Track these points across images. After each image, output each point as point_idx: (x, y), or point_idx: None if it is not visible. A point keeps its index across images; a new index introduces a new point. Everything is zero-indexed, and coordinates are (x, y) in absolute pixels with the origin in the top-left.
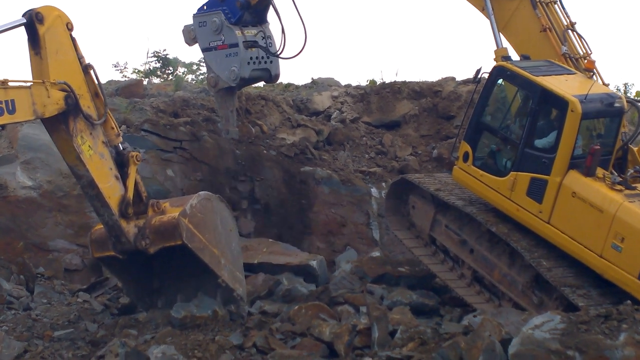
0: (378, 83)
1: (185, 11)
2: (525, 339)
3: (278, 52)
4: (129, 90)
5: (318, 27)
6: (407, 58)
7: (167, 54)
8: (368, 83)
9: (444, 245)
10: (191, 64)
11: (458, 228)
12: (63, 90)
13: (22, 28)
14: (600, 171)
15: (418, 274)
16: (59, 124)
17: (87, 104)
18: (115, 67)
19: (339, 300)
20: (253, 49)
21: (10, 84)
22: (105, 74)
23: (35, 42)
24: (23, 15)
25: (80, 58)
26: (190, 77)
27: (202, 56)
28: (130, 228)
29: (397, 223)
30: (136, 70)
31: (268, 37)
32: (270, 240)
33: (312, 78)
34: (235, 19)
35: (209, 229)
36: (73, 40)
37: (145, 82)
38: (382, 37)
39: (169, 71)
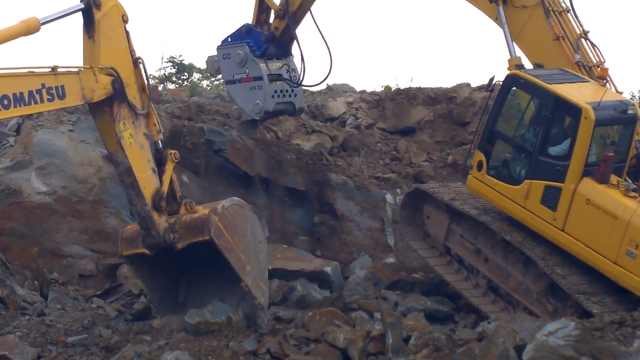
0: (393, 89)
1: (198, 16)
2: (540, 345)
3: (299, 81)
4: None
5: (333, 33)
6: (422, 64)
7: (182, 60)
8: (383, 89)
9: (458, 255)
10: (206, 70)
11: (473, 237)
12: (110, 75)
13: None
14: (614, 178)
15: (432, 280)
16: (104, 106)
17: (133, 94)
18: None
19: (353, 306)
20: (277, 83)
21: (60, 70)
22: None
23: (90, 26)
24: (81, 1)
25: (131, 51)
26: (205, 82)
27: (205, 60)
28: (161, 221)
29: (412, 233)
30: (151, 76)
31: (293, 69)
32: (284, 246)
33: (327, 84)
34: (260, 52)
35: (238, 234)
36: (127, 32)
37: (160, 88)
38: (397, 43)
39: (184, 77)
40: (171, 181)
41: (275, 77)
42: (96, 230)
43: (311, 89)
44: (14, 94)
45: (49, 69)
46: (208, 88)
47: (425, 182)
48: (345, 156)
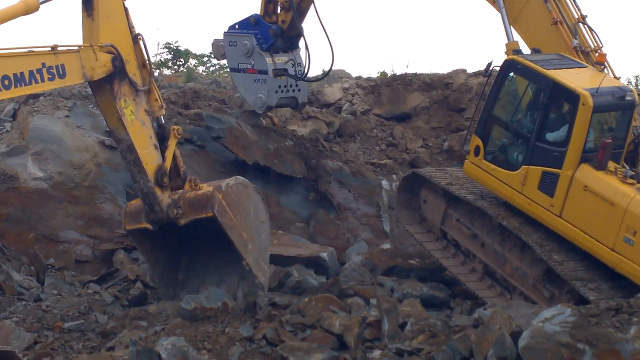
0: (389, 75)
1: (195, 2)
2: (536, 332)
3: (303, 75)
4: None
5: (329, 19)
6: (418, 50)
7: (178, 46)
8: (379, 75)
9: (455, 240)
10: (202, 56)
11: (469, 222)
12: (110, 52)
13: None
14: (612, 165)
15: (429, 267)
16: (104, 84)
17: (133, 71)
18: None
19: (349, 292)
20: (282, 77)
21: (59, 49)
22: None
23: (89, 4)
24: None
25: (130, 27)
26: (201, 68)
27: (211, 42)
28: (164, 197)
29: (409, 217)
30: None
31: (298, 64)
32: (280, 231)
33: (323, 70)
34: (267, 46)
35: (241, 213)
36: (125, 9)
37: (156, 74)
38: (392, 29)
39: (180, 62)
40: (175, 157)
41: (280, 72)
42: (92, 216)
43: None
44: (15, 74)
45: (49, 48)
46: (204, 74)
47: (421, 168)
48: (341, 142)
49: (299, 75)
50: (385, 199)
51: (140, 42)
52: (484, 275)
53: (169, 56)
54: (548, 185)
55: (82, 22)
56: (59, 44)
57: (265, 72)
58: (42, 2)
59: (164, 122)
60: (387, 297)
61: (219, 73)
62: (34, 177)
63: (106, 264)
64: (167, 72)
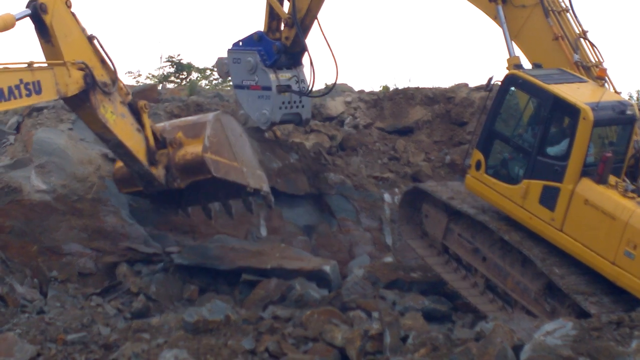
0: (391, 89)
1: (196, 15)
2: (537, 345)
3: (307, 91)
4: (143, 94)
5: (332, 33)
6: (420, 64)
7: (180, 59)
8: (381, 89)
9: (456, 254)
10: (205, 69)
11: (471, 236)
12: (81, 69)
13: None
14: (612, 179)
15: (430, 280)
16: (82, 102)
17: (100, 73)
18: (129, 74)
19: (351, 305)
20: (286, 94)
21: (35, 65)
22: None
23: (44, 31)
24: (27, 7)
25: (82, 31)
26: (204, 82)
27: (215, 62)
28: (160, 172)
29: (410, 232)
30: (150, 76)
31: (302, 80)
32: (282, 245)
33: (326, 84)
34: (271, 62)
35: (226, 147)
36: (73, 15)
37: (159, 87)
38: (395, 43)
39: (183, 76)
40: (150, 126)
41: (284, 89)
42: (95, 229)
43: (317, 98)
44: None
45: (26, 65)
46: (207, 87)
47: (423, 181)
48: (344, 155)
49: (303, 92)
50: (387, 213)
51: (95, 41)
52: (486, 290)
53: (172, 69)
54: (549, 199)
55: (41, 47)
56: (35, 61)
57: (269, 89)
58: (18, 19)
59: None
60: (389, 310)
61: (222, 86)
62: (37, 190)
63: (109, 276)
64: (170, 85)
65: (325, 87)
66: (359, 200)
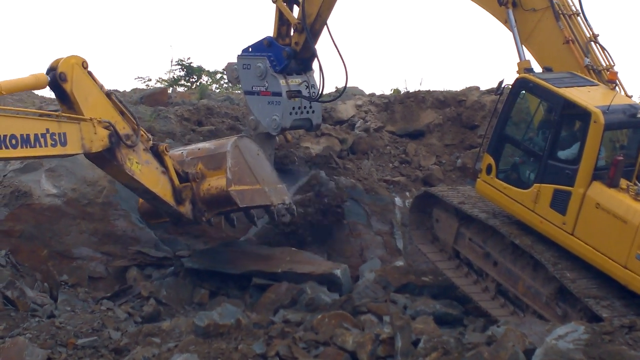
0: (402, 92)
1: (207, 19)
2: (549, 349)
3: (317, 97)
4: (153, 98)
5: (342, 36)
6: (431, 67)
7: (191, 62)
8: (392, 92)
9: (467, 258)
10: (215, 73)
11: (482, 241)
12: (106, 128)
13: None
14: (623, 182)
15: (442, 284)
16: (109, 160)
17: (122, 126)
18: (139, 79)
19: (362, 309)
20: (296, 99)
21: (63, 117)
22: (129, 84)
23: (65, 98)
24: (47, 74)
25: (101, 88)
26: (214, 85)
27: (225, 66)
28: (187, 208)
29: (421, 236)
30: (160, 79)
31: (312, 85)
32: (293, 249)
33: (336, 87)
34: (281, 68)
35: (247, 173)
36: (90, 74)
37: (169, 91)
38: (406, 46)
39: (193, 79)
40: (173, 166)
41: (294, 94)
42: (106, 233)
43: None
44: (22, 135)
45: (54, 115)
46: (217, 90)
47: (434, 185)
48: (354, 159)
49: (313, 97)
50: (398, 216)
51: (113, 97)
52: (497, 294)
53: (182, 73)
54: (560, 203)
55: (62, 110)
56: (63, 113)
57: (279, 94)
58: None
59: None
60: (400, 314)
61: (232, 90)
62: (47, 194)
63: (119, 280)
64: (180, 89)
65: (335, 91)
66: (369, 204)
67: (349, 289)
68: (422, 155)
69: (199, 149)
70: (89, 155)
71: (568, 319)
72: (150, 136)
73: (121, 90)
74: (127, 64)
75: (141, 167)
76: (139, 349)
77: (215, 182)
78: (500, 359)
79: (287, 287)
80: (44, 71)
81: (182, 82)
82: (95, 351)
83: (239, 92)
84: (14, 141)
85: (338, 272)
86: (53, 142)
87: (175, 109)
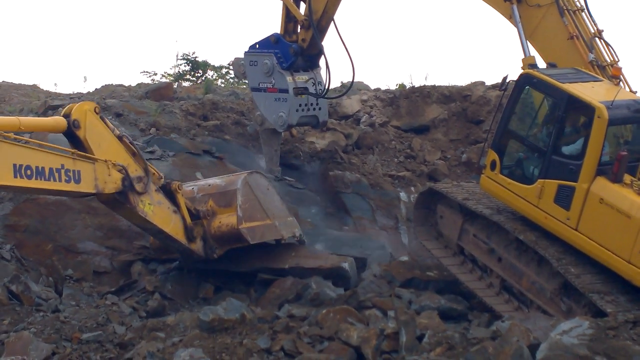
0: (407, 87)
1: (212, 13)
2: (554, 344)
3: (323, 93)
4: (158, 93)
5: (348, 31)
6: (437, 62)
7: (196, 57)
8: (397, 87)
9: (472, 255)
10: (220, 67)
11: (486, 237)
12: (120, 172)
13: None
14: (627, 177)
15: (446, 279)
16: (122, 203)
17: (134, 169)
18: (144, 73)
19: (366, 304)
20: (302, 96)
21: (78, 155)
22: (134, 78)
23: (78, 144)
24: (62, 118)
25: (112, 132)
26: (219, 80)
27: (232, 60)
28: (198, 245)
29: (425, 233)
30: (166, 74)
31: (319, 82)
32: (296, 244)
33: (342, 82)
34: (288, 65)
35: (257, 209)
36: (102, 119)
37: (175, 85)
38: (411, 41)
39: (199, 74)
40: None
41: (300, 91)
42: (111, 227)
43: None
44: (37, 167)
45: (70, 152)
46: (222, 85)
47: (439, 180)
48: (360, 154)
49: (320, 94)
50: (403, 211)
51: (125, 139)
52: (501, 290)
53: (187, 68)
54: (564, 198)
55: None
56: (80, 152)
57: (285, 91)
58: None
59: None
60: (405, 309)
61: (237, 84)
62: None
63: (124, 275)
64: (185, 84)
65: (341, 86)
66: (375, 199)
67: (356, 282)
68: (428, 150)
69: (210, 186)
70: (101, 197)
71: (572, 314)
72: (162, 175)
73: (126, 84)
74: (133, 58)
75: (153, 207)
76: (143, 344)
77: (226, 220)
78: (505, 354)
79: (292, 282)
80: (62, 115)
81: (188, 76)
82: (99, 346)
83: (245, 86)
84: (29, 172)
85: (346, 265)
86: (67, 179)
87: (180, 104)
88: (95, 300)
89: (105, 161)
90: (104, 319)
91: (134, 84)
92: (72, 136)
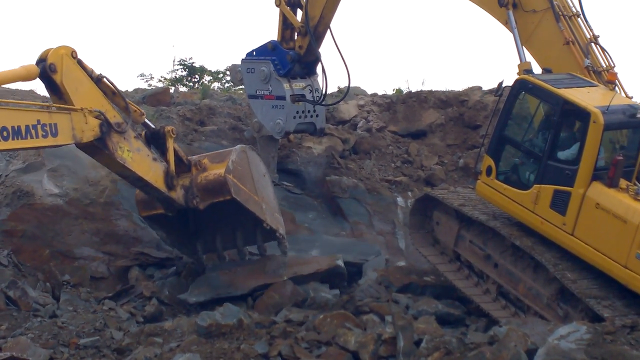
0: (404, 92)
1: (209, 19)
2: (551, 349)
3: (321, 101)
4: (155, 98)
5: (345, 36)
6: (434, 67)
7: (193, 62)
8: (394, 92)
9: (468, 261)
10: (217, 72)
11: (482, 243)
12: (97, 117)
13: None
14: (623, 182)
15: (444, 284)
16: (99, 149)
17: (112, 115)
18: (141, 77)
19: (364, 309)
20: (300, 103)
21: (54, 108)
22: (131, 83)
23: (55, 89)
24: (36, 64)
25: (90, 74)
26: (216, 85)
27: (229, 66)
28: (178, 194)
29: (422, 239)
30: (163, 79)
31: (316, 89)
32: (278, 255)
33: (339, 87)
34: (285, 72)
35: (248, 179)
36: (79, 62)
37: (171, 90)
38: (408, 46)
39: (195, 79)
40: (176, 151)
41: (297, 98)
42: (108, 233)
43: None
44: (13, 127)
45: (45, 107)
46: (219, 91)
47: (436, 185)
48: (357, 159)
49: (317, 101)
50: (400, 216)
51: (104, 79)
52: (498, 296)
53: (184, 73)
54: (560, 203)
55: (52, 101)
56: (54, 104)
57: (283, 98)
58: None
59: (151, 124)
60: (402, 314)
61: (234, 90)
62: (49, 194)
63: (121, 280)
64: (182, 89)
65: (338, 91)
66: (371, 204)
67: (349, 279)
68: (424, 155)
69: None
70: (80, 145)
71: (569, 319)
72: (143, 112)
73: (123, 90)
74: (130, 63)
75: (132, 154)
76: (141, 349)
77: (214, 170)
78: (503, 359)
79: (292, 290)
80: (38, 59)
81: (184, 82)
82: (97, 351)
83: (242, 92)
84: (5, 133)
85: (340, 262)
86: (44, 133)
87: (177, 109)
88: (93, 305)
89: (81, 109)
90: (101, 324)
91: (130, 89)
92: (49, 81)
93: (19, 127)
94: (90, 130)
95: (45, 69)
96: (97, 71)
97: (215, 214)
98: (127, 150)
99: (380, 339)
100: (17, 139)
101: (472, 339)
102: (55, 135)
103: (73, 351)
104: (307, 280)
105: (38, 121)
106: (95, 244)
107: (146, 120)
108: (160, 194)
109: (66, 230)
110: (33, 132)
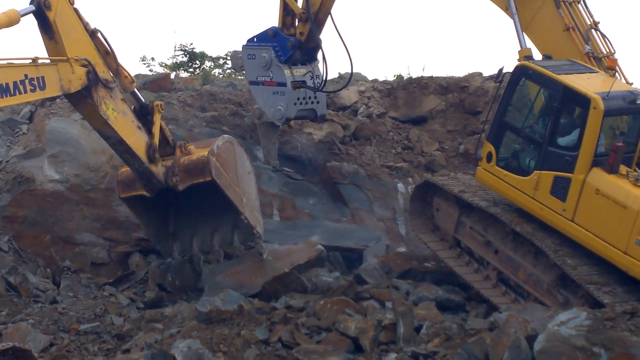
0: (405, 78)
1: (210, 4)
2: (551, 335)
3: (322, 87)
4: (156, 84)
5: (345, 22)
6: (434, 53)
7: (193, 48)
8: (395, 78)
9: (468, 247)
10: (218, 58)
11: (482, 229)
12: (84, 66)
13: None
14: (623, 168)
15: (444, 270)
16: (84, 98)
17: (102, 70)
18: (142, 61)
19: (364, 295)
20: (300, 89)
21: (40, 61)
22: (132, 67)
23: (47, 27)
24: (31, 3)
25: (85, 26)
26: (217, 71)
27: (230, 52)
28: (159, 169)
29: (422, 226)
30: (163, 64)
31: (317, 76)
32: (260, 253)
33: (339, 73)
34: (286, 58)
35: (232, 169)
36: (76, 11)
37: (172, 76)
38: (409, 32)
39: (196, 65)
40: (162, 129)
41: (298, 84)
42: (108, 219)
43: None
44: (0, 85)
45: (30, 60)
46: (220, 76)
47: (437, 171)
48: (357, 145)
49: (318, 87)
50: (400, 202)
51: (99, 34)
52: (498, 282)
53: (185, 59)
54: (560, 189)
55: (44, 43)
56: (39, 57)
57: (283, 85)
58: (22, 15)
59: (140, 97)
60: (402, 300)
61: (235, 75)
62: (50, 180)
63: (122, 266)
64: (183, 74)
65: (338, 77)
66: (372, 190)
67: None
68: (425, 141)
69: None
70: (68, 96)
71: (569, 305)
72: (134, 79)
73: None
74: (130, 50)
75: (117, 114)
76: (141, 335)
77: (198, 152)
78: (503, 345)
79: (295, 278)
80: (17, 8)
81: (185, 67)
82: (97, 337)
83: (242, 77)
84: None
85: (320, 246)
86: (32, 88)
87: (178, 95)
88: (93, 291)
89: (68, 59)
90: (101, 310)
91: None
92: (42, 18)
93: (7, 84)
94: (77, 79)
95: (40, 5)
96: (91, 26)
97: (194, 213)
98: (112, 109)
99: (381, 325)
100: (6, 96)
101: (472, 325)
102: (43, 88)
103: (73, 337)
104: (305, 268)
105: (25, 76)
106: (95, 230)
107: (136, 90)
108: (141, 164)
109: (67, 216)
110: (21, 87)
